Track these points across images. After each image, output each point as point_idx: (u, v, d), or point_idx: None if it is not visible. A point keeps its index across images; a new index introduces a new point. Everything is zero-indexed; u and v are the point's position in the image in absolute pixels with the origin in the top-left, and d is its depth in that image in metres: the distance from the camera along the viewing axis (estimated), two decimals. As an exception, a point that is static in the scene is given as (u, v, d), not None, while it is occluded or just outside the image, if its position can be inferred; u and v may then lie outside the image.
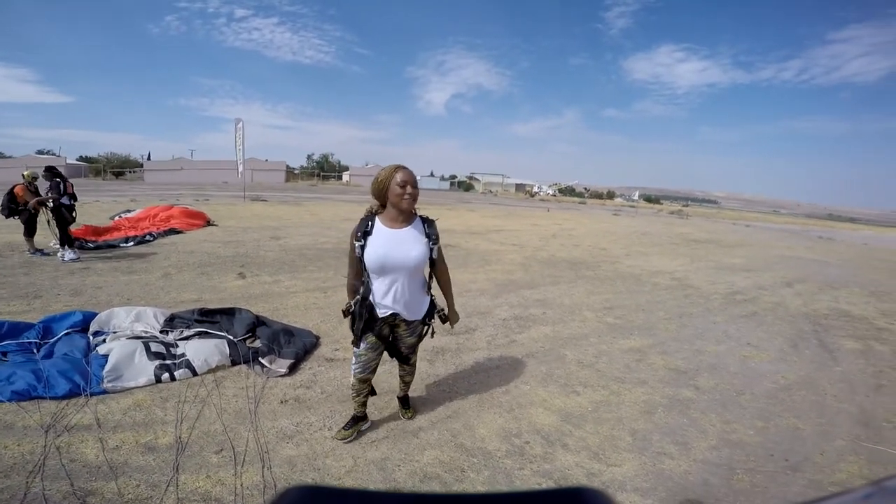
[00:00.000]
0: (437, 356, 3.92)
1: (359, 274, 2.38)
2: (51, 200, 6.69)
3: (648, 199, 77.91)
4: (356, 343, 2.47)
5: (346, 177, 55.05)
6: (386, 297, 2.37)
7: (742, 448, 2.87)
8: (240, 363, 3.49)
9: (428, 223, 2.45)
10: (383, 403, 3.07)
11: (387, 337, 2.52)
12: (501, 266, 8.21)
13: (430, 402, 3.14)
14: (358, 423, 2.73)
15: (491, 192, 61.20)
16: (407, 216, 2.37)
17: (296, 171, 55.11)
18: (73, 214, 7.00)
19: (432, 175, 70.51)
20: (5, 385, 2.85)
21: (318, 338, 4.13)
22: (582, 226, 18.38)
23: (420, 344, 2.71)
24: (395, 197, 2.27)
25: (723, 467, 2.65)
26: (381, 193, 2.31)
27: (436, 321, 2.66)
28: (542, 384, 3.55)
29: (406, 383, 2.94)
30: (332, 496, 0.38)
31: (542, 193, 65.15)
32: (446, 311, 2.67)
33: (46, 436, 2.46)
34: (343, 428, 2.70)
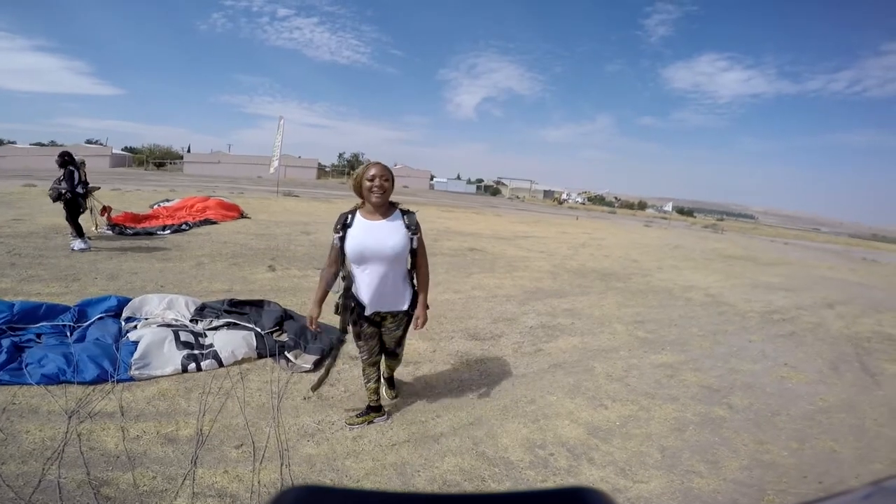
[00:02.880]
0: (461, 361, 3.85)
1: (333, 263, 2.50)
2: (66, 193, 6.48)
3: (681, 212, 75.84)
4: (344, 331, 2.61)
5: (375, 176, 55.54)
6: (368, 288, 2.45)
7: (774, 469, 2.78)
8: (266, 356, 3.50)
9: (407, 214, 2.53)
10: (405, 405, 3.03)
11: (376, 329, 2.62)
12: (529, 273, 8.08)
13: (452, 408, 3.08)
14: (370, 413, 2.79)
15: (518, 197, 60.75)
16: (384, 209, 2.46)
17: (327, 169, 56.05)
18: (86, 203, 6.88)
19: (458, 178, 70.45)
20: (36, 367, 2.89)
21: (344, 335, 4.12)
22: (612, 236, 17.99)
23: (406, 337, 2.75)
24: (366, 191, 2.40)
25: (753, 488, 2.56)
26: (357, 189, 2.45)
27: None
28: (569, 396, 3.44)
29: (390, 368, 3.01)
30: (331, 496, 0.38)
31: (570, 201, 64.32)
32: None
33: (69, 422, 2.48)
34: (356, 415, 2.78)
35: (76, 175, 6.65)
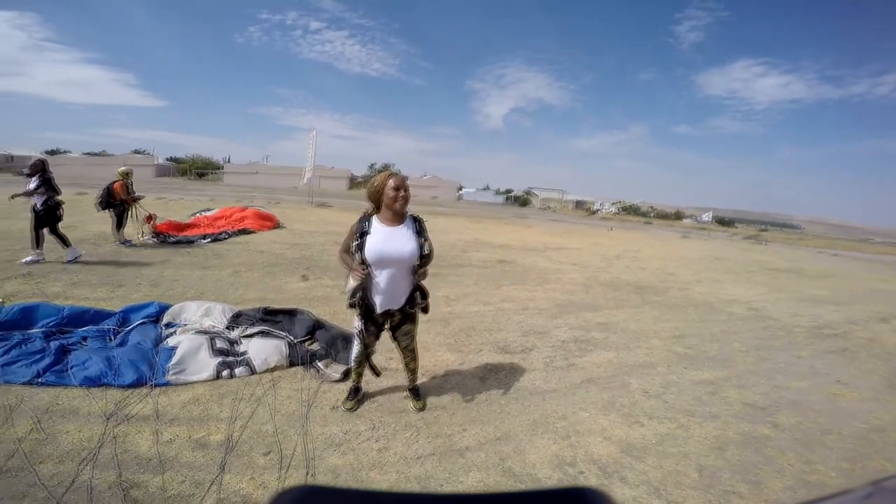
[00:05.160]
0: (489, 374, 3.79)
1: (348, 249, 2.71)
2: (49, 200, 6.03)
3: (722, 222, 72.92)
4: (363, 332, 2.81)
5: (406, 187, 56.20)
6: (381, 290, 2.66)
7: (822, 489, 2.62)
8: (297, 364, 3.54)
9: (419, 222, 2.75)
10: (432, 418, 3.00)
11: (382, 324, 2.86)
12: (561, 285, 7.93)
13: (479, 422, 3.02)
14: (358, 393, 3.11)
15: (549, 207, 59.99)
16: (400, 216, 2.66)
17: (358, 180, 57.04)
18: (60, 212, 6.26)
19: (487, 188, 70.20)
20: (80, 370, 3.02)
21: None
22: (648, 247, 17.48)
23: (417, 330, 2.98)
24: (388, 200, 2.58)
25: (797, 509, 2.40)
26: (376, 197, 2.63)
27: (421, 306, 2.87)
28: (603, 412, 3.32)
29: (412, 371, 3.13)
30: (332, 496, 0.38)
31: (603, 211, 63.09)
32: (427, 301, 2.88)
33: (106, 424, 2.56)
34: (348, 399, 3.06)
35: (53, 183, 6.13)
